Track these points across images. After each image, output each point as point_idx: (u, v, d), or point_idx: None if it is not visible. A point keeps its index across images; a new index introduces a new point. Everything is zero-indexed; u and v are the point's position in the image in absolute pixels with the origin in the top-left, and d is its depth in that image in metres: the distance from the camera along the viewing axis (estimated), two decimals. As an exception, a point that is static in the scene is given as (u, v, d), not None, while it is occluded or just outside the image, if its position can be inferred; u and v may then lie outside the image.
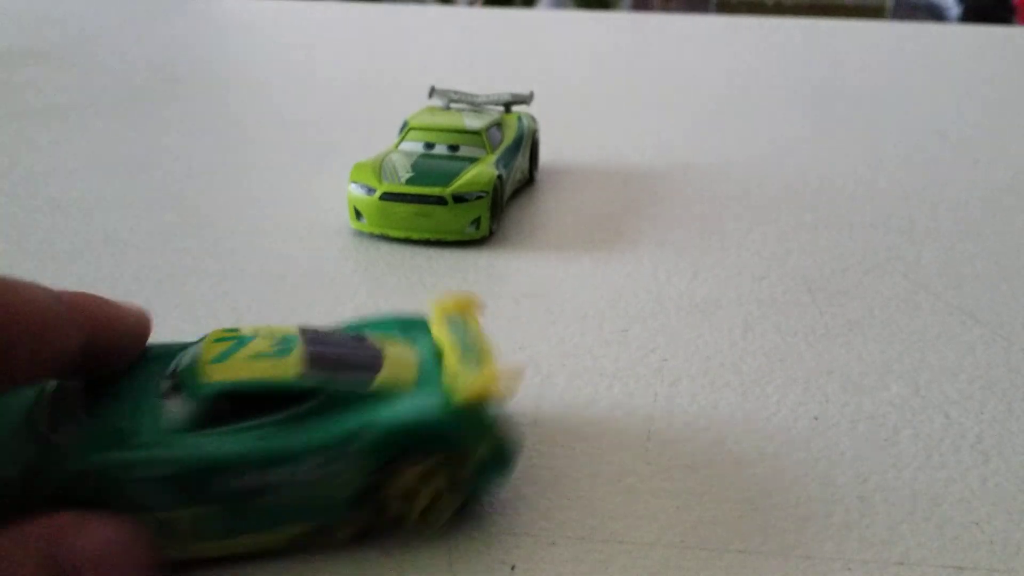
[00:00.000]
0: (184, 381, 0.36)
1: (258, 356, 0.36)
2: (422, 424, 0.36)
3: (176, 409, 0.35)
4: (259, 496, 0.34)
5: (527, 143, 0.87)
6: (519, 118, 0.88)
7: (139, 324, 0.38)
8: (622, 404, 0.50)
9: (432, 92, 0.90)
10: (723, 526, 0.40)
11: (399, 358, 0.40)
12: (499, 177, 0.75)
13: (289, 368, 0.36)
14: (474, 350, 0.40)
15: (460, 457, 0.37)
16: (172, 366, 0.38)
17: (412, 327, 0.44)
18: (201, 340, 0.39)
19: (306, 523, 0.36)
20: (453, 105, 0.88)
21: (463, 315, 0.44)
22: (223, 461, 0.33)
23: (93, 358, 0.36)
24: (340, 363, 0.38)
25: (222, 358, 0.36)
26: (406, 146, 0.80)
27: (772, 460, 0.45)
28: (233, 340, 0.38)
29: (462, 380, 0.38)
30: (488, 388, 0.37)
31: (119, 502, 0.32)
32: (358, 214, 0.74)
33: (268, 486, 0.34)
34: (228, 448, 0.34)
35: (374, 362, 0.39)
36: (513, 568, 0.37)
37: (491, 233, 0.74)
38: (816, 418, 0.49)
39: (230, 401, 0.35)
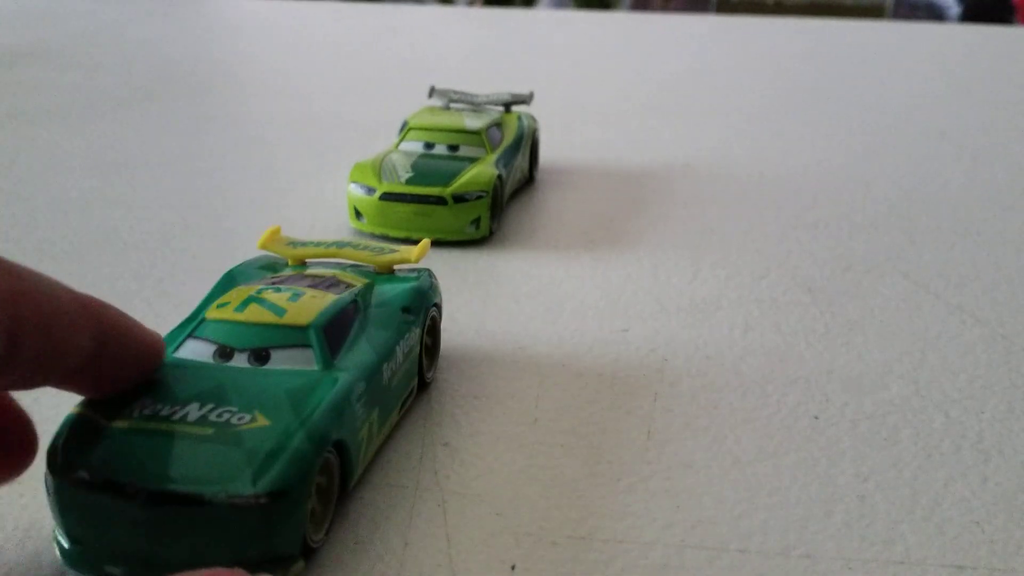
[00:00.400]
0: (280, 338, 0.40)
1: (296, 296, 0.43)
2: (427, 285, 0.51)
3: (295, 360, 0.40)
4: (392, 384, 0.44)
5: (527, 143, 0.87)
6: (519, 118, 0.88)
7: (153, 342, 0.38)
8: (622, 404, 0.50)
9: (432, 92, 0.90)
10: (723, 526, 0.40)
11: (344, 270, 0.50)
12: (499, 177, 0.75)
13: (326, 297, 0.43)
14: (369, 247, 0.53)
15: (438, 308, 0.52)
16: (214, 349, 0.40)
17: (275, 263, 0.53)
18: (196, 322, 0.42)
19: (406, 391, 0.46)
20: (453, 105, 0.88)
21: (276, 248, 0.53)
22: (375, 366, 0.42)
23: (104, 366, 0.36)
24: (334, 285, 0.46)
25: (281, 312, 0.41)
26: (406, 146, 0.80)
27: (772, 460, 0.45)
28: (252, 300, 0.42)
29: (404, 256, 0.52)
30: (421, 253, 0.52)
31: (344, 430, 0.38)
32: (358, 214, 0.74)
33: (393, 374, 0.44)
34: (368, 358, 0.42)
35: (334, 279, 0.47)
36: (513, 568, 0.37)
37: (491, 233, 0.74)
38: (816, 418, 0.49)
39: (325, 332, 0.41)
